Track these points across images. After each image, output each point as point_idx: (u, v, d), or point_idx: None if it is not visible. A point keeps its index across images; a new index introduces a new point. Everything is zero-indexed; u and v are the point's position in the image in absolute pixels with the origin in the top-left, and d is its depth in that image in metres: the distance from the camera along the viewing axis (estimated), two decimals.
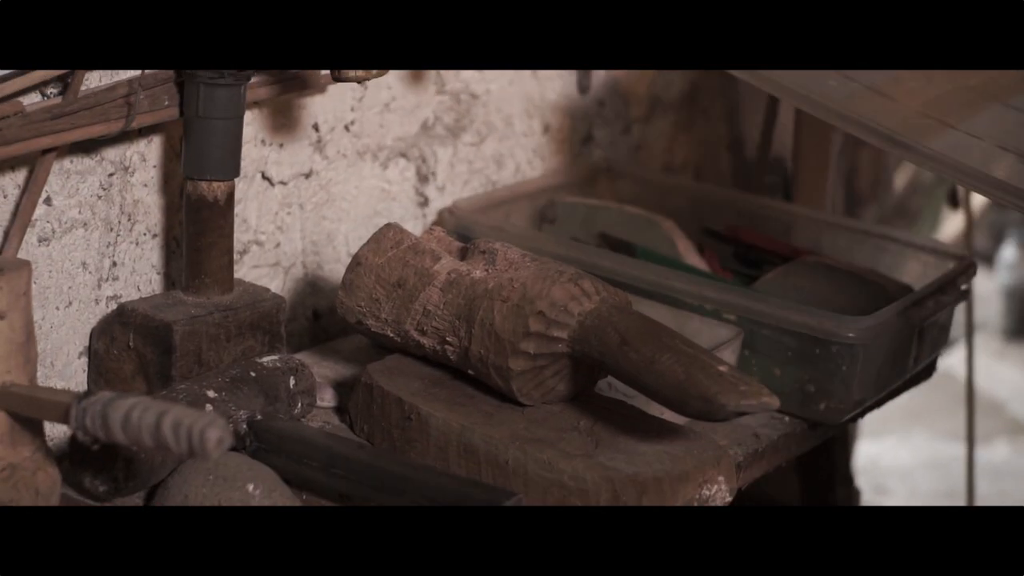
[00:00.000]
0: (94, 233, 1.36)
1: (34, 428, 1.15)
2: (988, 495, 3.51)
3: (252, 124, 1.47)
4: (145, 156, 1.39)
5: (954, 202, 2.46)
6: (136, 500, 1.21)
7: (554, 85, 1.83)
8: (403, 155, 1.66)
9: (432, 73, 1.66)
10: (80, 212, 1.34)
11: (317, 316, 1.60)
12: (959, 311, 1.73)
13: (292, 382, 1.32)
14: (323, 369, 1.45)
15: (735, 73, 1.45)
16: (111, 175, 1.36)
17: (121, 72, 1.31)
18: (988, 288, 4.59)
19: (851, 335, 1.39)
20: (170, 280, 1.44)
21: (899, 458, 3.86)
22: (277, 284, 1.55)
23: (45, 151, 1.27)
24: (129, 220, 1.39)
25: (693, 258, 1.64)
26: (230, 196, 1.36)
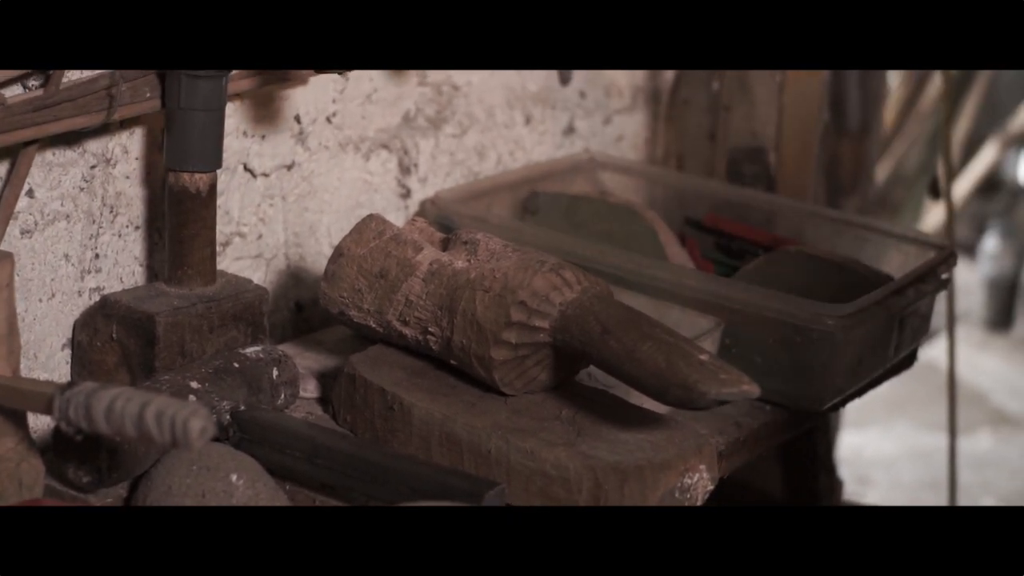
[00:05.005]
0: (76, 225, 1.36)
1: (17, 419, 1.15)
2: (971, 485, 3.52)
3: (234, 116, 1.47)
4: (127, 148, 1.39)
5: (936, 193, 2.46)
6: (120, 491, 1.21)
7: (535, 76, 1.83)
8: (385, 147, 1.66)
9: None
10: (63, 204, 1.34)
11: (300, 308, 1.61)
12: (941, 302, 1.74)
13: (275, 373, 1.33)
14: (306, 360, 1.46)
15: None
16: (93, 167, 1.36)
17: None
18: (970, 279, 4.61)
19: (831, 323, 1.40)
20: (153, 272, 1.44)
21: (882, 449, 3.87)
22: (259, 276, 1.55)
23: (27, 143, 1.27)
24: (111, 212, 1.39)
25: (674, 248, 1.64)
26: (212, 187, 1.36)
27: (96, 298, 1.38)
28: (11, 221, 1.29)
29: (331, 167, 1.60)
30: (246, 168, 1.51)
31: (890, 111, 2.94)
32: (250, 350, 1.33)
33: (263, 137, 1.52)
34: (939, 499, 3.30)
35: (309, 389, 1.39)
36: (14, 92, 1.26)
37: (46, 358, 1.36)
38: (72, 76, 1.29)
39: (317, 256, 1.60)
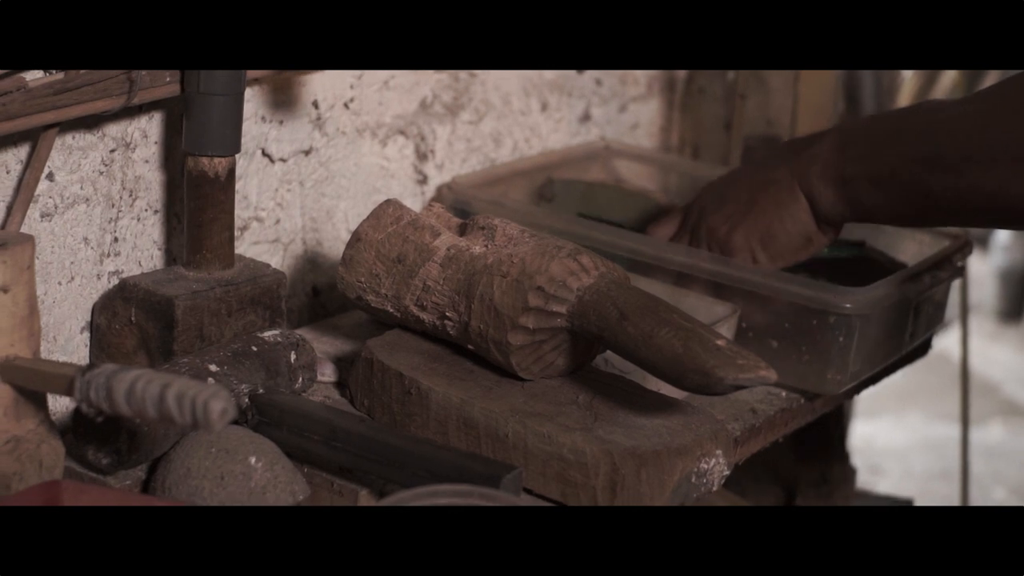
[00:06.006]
0: (96, 209, 1.37)
1: (38, 401, 1.16)
2: (982, 476, 3.53)
3: (252, 101, 1.48)
4: (147, 132, 1.39)
5: None
6: (139, 473, 1.22)
7: None
8: (402, 133, 1.66)
9: None
10: (82, 188, 1.35)
11: (316, 292, 1.61)
12: (954, 292, 1.74)
13: (293, 357, 1.33)
14: (323, 344, 1.46)
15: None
16: (113, 151, 1.37)
17: None
18: (983, 270, 4.61)
19: (848, 306, 1.40)
20: (171, 256, 1.44)
21: (894, 439, 3.87)
22: (277, 260, 1.55)
23: (47, 127, 1.28)
24: (131, 196, 1.39)
25: None
26: (231, 172, 1.37)
27: (115, 281, 1.39)
28: (31, 204, 1.30)
29: (348, 153, 1.60)
30: (264, 153, 1.51)
31: (904, 100, 2.94)
32: (268, 334, 1.34)
33: (281, 122, 1.52)
34: (951, 489, 3.31)
35: (326, 373, 1.40)
36: (35, 75, 1.26)
37: (65, 341, 1.37)
38: None
39: (334, 241, 1.61)
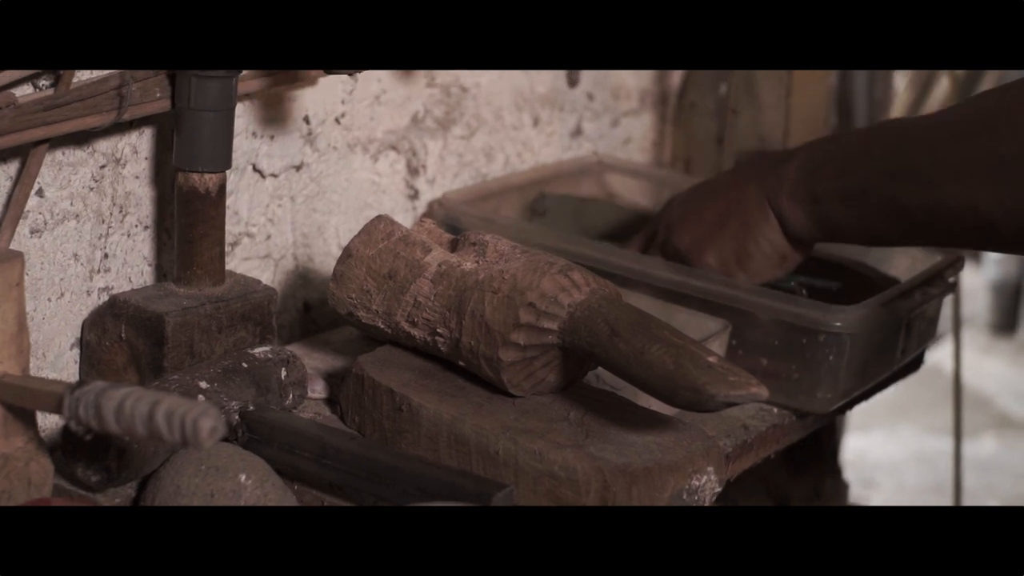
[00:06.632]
0: (86, 225, 1.36)
1: (27, 419, 1.15)
2: (975, 489, 3.53)
3: (243, 116, 1.48)
4: (137, 148, 1.39)
5: None
6: (129, 490, 1.22)
7: (543, 79, 1.84)
8: (393, 148, 1.66)
9: None
10: (72, 204, 1.34)
11: (307, 308, 1.61)
12: (946, 307, 1.73)
13: (284, 373, 1.33)
14: (314, 361, 1.46)
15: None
16: (103, 167, 1.36)
17: None
18: (975, 283, 4.61)
19: (838, 324, 1.40)
20: (161, 272, 1.44)
21: (887, 452, 3.87)
22: (268, 276, 1.55)
23: (37, 143, 1.28)
24: (121, 212, 1.39)
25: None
26: (221, 188, 1.37)
27: (105, 298, 1.39)
28: (21, 220, 1.30)
29: (340, 168, 1.60)
30: (255, 168, 1.51)
31: (896, 114, 2.94)
32: (259, 350, 1.34)
33: (272, 138, 1.52)
34: (943, 502, 3.30)
35: (317, 390, 1.39)
36: (25, 91, 1.26)
37: (55, 357, 1.36)
38: (82, 76, 1.29)
39: (325, 257, 1.61)
